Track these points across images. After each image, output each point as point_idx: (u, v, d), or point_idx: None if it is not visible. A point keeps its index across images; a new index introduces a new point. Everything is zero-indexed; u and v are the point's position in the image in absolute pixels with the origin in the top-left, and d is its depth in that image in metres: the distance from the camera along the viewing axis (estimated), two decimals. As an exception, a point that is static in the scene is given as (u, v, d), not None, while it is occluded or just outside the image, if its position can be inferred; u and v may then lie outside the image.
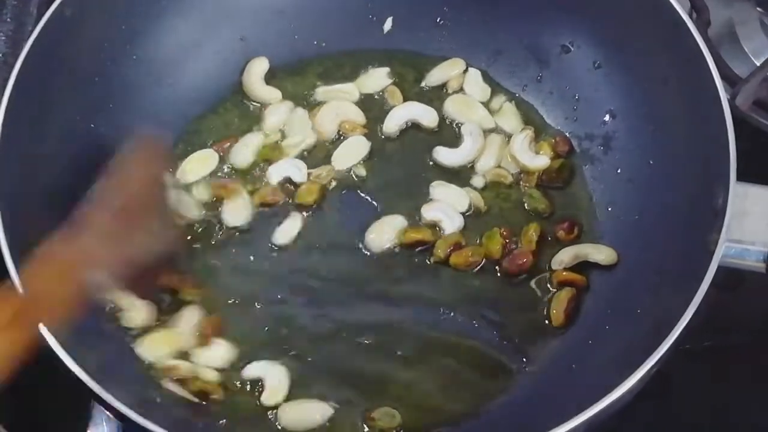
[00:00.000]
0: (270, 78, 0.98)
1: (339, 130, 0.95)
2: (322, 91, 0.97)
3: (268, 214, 0.91)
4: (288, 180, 0.92)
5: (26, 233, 0.77)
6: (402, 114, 0.95)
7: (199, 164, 0.93)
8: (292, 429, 0.81)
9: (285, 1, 0.99)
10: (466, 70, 0.97)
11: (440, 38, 0.99)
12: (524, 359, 0.83)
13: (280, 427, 0.81)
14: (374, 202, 0.92)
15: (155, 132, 0.87)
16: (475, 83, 0.97)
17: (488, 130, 0.94)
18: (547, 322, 0.85)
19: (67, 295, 0.66)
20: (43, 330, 0.70)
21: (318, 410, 0.81)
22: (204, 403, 0.81)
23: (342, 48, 0.99)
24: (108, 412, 0.73)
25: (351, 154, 0.94)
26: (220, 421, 0.80)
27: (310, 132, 0.95)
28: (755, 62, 0.97)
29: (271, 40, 0.99)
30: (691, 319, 0.71)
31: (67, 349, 0.70)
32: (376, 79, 0.98)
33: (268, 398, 0.82)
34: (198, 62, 0.97)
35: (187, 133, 0.95)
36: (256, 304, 0.86)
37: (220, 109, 0.97)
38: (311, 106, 0.96)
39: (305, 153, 0.94)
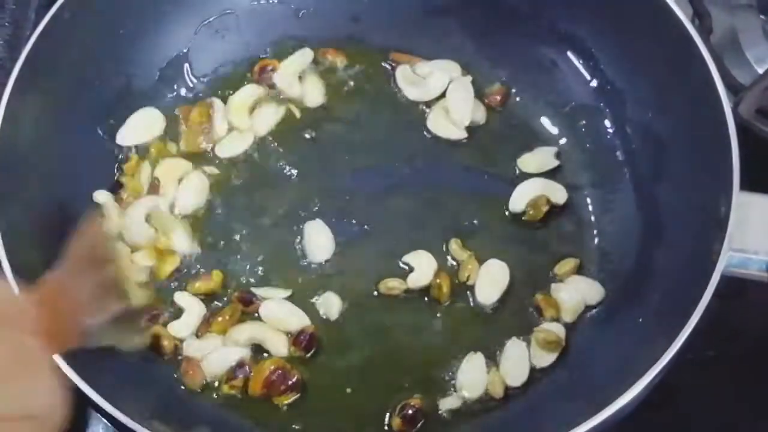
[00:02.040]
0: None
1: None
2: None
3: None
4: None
5: (24, 238, 0.78)
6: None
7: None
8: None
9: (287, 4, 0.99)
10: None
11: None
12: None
13: None
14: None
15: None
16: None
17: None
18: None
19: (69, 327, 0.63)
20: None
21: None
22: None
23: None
24: (106, 420, 0.72)
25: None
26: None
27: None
28: (758, 70, 0.97)
29: (273, 43, 0.99)
30: (693, 328, 0.70)
31: (66, 358, 0.69)
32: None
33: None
34: (199, 66, 0.97)
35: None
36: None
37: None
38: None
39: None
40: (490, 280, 0.86)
